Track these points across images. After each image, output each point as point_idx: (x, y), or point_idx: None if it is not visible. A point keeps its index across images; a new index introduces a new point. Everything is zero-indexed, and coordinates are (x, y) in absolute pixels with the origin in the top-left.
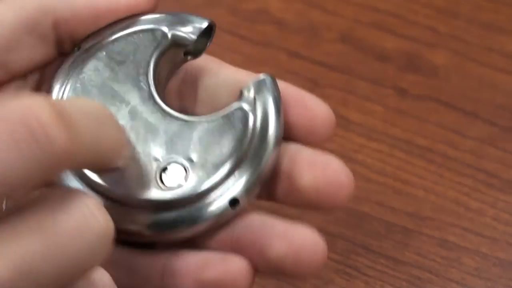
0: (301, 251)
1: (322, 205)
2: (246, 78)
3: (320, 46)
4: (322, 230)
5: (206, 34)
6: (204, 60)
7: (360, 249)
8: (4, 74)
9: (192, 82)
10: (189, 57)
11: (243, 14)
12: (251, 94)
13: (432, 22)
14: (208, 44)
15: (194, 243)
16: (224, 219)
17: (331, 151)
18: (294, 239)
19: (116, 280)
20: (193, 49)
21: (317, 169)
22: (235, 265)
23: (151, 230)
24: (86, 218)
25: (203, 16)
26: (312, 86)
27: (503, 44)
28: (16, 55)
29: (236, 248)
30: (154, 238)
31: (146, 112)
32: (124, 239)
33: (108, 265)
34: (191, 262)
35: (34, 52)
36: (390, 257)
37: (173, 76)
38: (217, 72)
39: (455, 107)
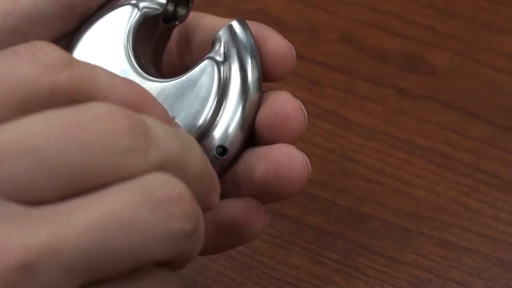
0: (279, 167)
1: (276, 139)
2: (223, 23)
3: (320, 46)
4: (322, 230)
5: (185, 1)
6: (190, 18)
7: (360, 249)
8: None
9: (186, 41)
10: (176, 23)
11: (243, 14)
12: (221, 42)
13: (432, 22)
14: (189, 7)
15: None
16: (218, 169)
17: (331, 151)
18: (272, 157)
19: None
20: (178, 16)
21: (265, 106)
22: (245, 206)
23: None
24: None
25: None
26: (312, 86)
27: (503, 44)
28: (37, 26)
29: (235, 182)
30: None
31: None
32: None
33: None
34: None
35: (57, 23)
36: (390, 257)
37: (168, 42)
38: (197, 24)
39: (455, 107)
